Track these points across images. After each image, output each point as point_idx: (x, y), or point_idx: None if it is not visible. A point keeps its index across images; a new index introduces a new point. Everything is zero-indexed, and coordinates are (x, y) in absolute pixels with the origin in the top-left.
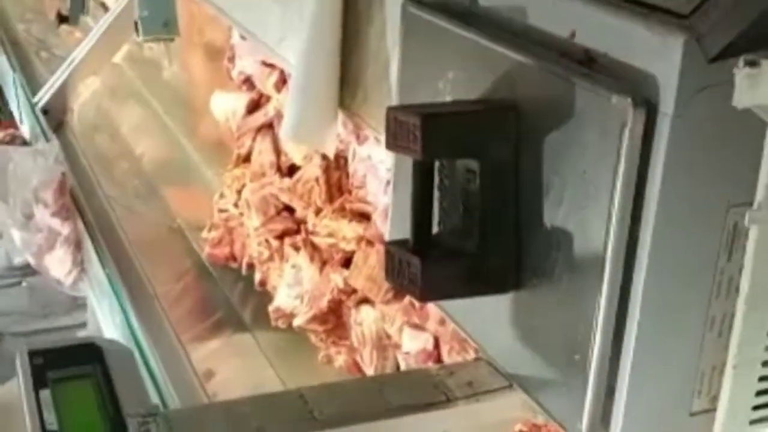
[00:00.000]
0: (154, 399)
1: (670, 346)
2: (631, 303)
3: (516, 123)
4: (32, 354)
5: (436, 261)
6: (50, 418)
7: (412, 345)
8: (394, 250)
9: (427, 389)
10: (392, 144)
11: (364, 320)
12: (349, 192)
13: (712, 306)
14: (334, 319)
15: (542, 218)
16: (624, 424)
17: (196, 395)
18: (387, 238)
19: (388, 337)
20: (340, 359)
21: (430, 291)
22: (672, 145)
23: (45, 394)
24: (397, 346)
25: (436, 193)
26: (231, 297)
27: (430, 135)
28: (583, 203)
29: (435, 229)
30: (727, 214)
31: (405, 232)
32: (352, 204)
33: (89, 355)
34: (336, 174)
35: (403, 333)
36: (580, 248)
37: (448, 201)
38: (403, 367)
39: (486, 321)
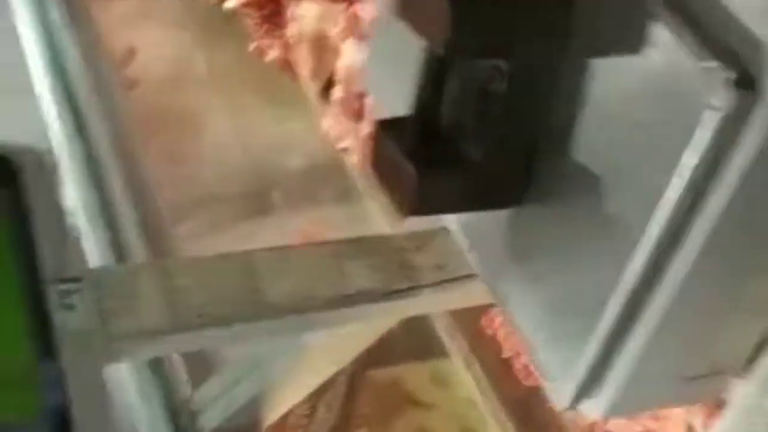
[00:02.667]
0: None
1: (694, 325)
2: (668, 273)
3: (567, 23)
4: None
5: (435, 175)
6: None
7: (354, 58)
8: (387, 145)
9: (392, 269)
10: (402, 12)
11: (305, 16)
12: None
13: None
14: (272, 6)
15: (572, 140)
16: (614, 396)
17: None
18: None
19: (327, 38)
20: (273, 54)
21: (420, 206)
22: None
23: None
24: (336, 52)
25: None
26: None
27: (461, 28)
28: (636, 142)
29: None
30: None
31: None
32: None
33: (4, 175)
34: None
35: (347, 43)
36: (621, 190)
37: (457, 95)
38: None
39: (481, 229)
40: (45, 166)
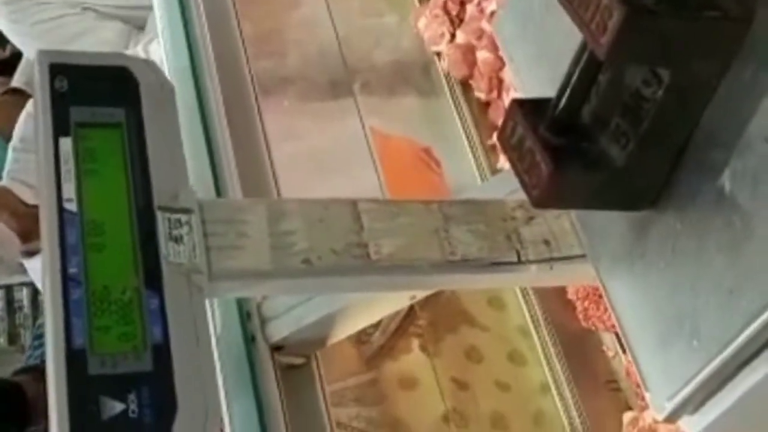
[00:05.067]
0: None
1: None
2: None
3: (741, 43)
4: (55, 71)
5: (571, 171)
6: (69, 191)
7: None
8: (522, 126)
9: (499, 239)
10: (567, 4)
11: None
12: None
13: None
14: None
15: (721, 157)
16: (714, 420)
17: None
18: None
19: None
20: None
21: (550, 200)
22: None
23: (65, 145)
24: None
25: None
26: None
27: (628, 38)
28: None
29: None
30: None
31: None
32: None
33: (121, 90)
34: None
35: None
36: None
37: (608, 92)
38: None
39: (598, 215)
40: (163, 84)
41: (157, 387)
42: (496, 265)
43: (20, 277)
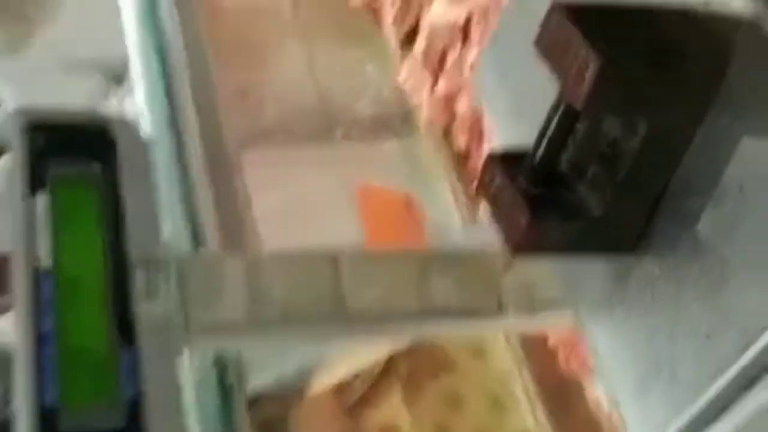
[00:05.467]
0: None
1: None
2: None
3: (716, 94)
4: (31, 127)
5: (549, 220)
6: (43, 248)
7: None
8: (500, 177)
9: (478, 288)
10: (544, 52)
11: None
12: None
13: None
14: None
15: (698, 206)
16: None
17: None
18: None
19: None
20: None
21: (528, 248)
22: None
23: (41, 201)
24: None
25: None
26: None
27: (605, 89)
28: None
29: None
30: None
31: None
32: None
33: (97, 147)
34: None
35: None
36: (744, 271)
37: (585, 142)
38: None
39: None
40: (140, 142)
41: None
42: (476, 313)
43: None
